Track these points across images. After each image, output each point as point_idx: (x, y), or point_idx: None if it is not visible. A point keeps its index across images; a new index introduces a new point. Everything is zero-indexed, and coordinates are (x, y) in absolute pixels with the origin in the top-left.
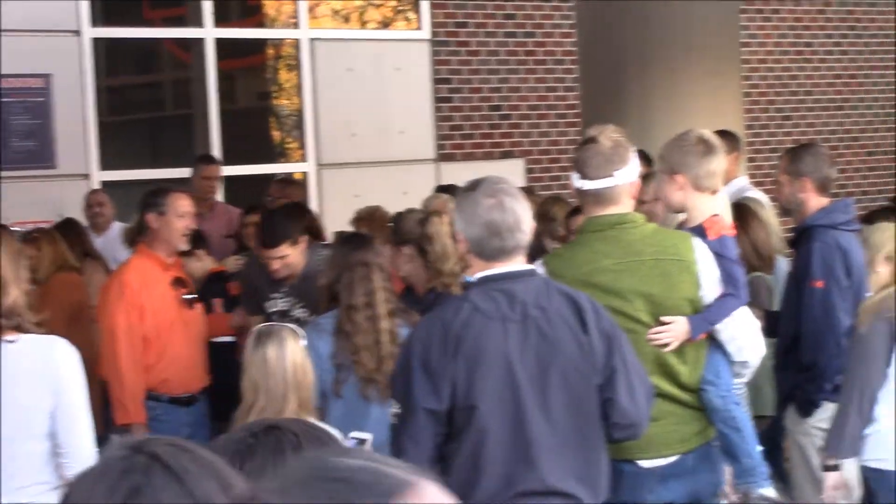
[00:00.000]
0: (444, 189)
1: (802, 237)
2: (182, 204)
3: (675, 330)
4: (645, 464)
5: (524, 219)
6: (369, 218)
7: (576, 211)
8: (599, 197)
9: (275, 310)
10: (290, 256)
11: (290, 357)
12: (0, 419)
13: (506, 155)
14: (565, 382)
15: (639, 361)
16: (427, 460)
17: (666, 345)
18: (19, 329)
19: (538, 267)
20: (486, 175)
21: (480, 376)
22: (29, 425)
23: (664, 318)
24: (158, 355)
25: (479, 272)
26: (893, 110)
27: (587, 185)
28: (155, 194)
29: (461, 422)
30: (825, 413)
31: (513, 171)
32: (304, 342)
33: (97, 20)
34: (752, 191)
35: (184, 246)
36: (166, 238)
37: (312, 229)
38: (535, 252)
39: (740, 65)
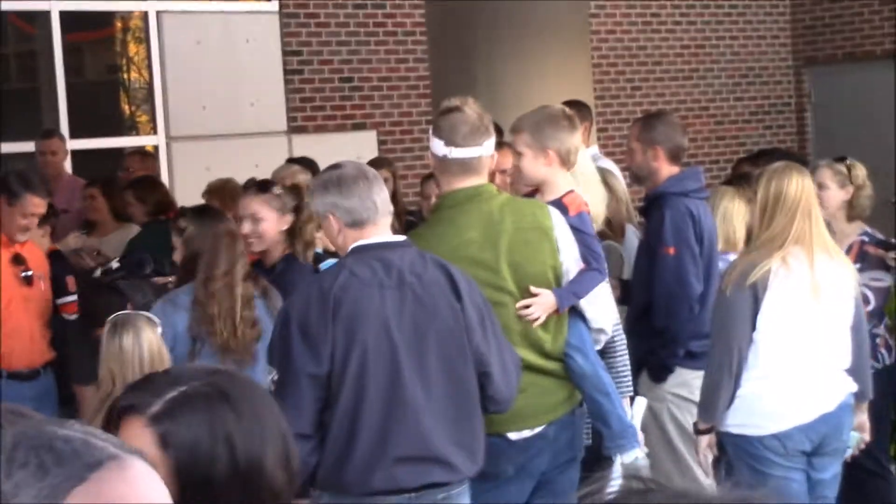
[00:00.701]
0: (295, 160)
1: (654, 205)
2: (33, 207)
3: (543, 303)
4: (512, 436)
5: (384, 192)
6: (220, 190)
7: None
8: (466, 166)
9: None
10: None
11: (146, 345)
12: None
13: (357, 126)
14: (441, 348)
15: (504, 338)
16: (309, 426)
17: (535, 318)
18: None
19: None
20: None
21: (359, 339)
22: None
23: (533, 289)
24: None
25: (353, 243)
26: (740, 80)
27: (455, 152)
28: (12, 184)
29: (338, 385)
30: (678, 378)
31: (365, 143)
32: (159, 330)
33: None
34: (602, 160)
35: (18, 240)
36: (6, 226)
37: (164, 203)
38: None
39: (590, 35)
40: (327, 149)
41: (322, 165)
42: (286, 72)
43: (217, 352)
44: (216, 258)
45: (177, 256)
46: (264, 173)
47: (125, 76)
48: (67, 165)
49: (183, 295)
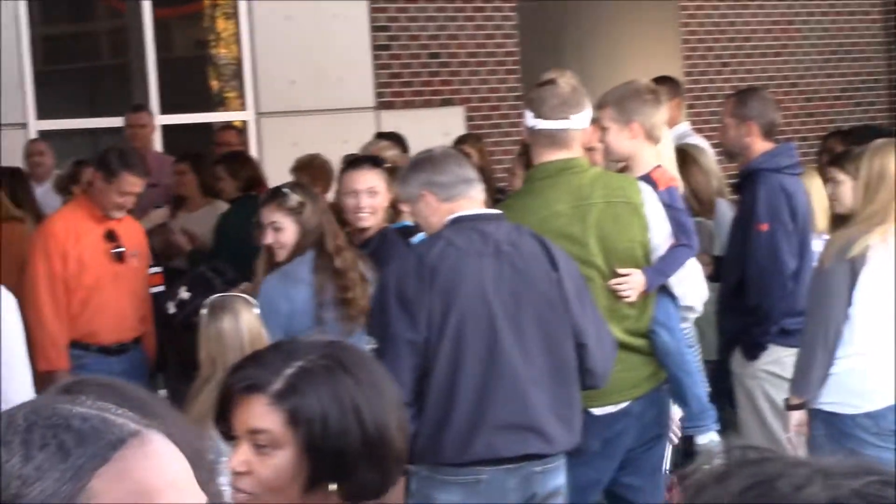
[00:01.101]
0: (384, 136)
1: (747, 181)
2: (129, 185)
3: (634, 282)
4: (596, 411)
5: (475, 173)
6: (308, 166)
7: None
8: (554, 138)
9: None
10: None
11: (245, 327)
12: None
13: (445, 102)
14: (540, 317)
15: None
16: (408, 394)
17: (625, 296)
18: None
19: None
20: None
21: (456, 306)
22: None
23: (621, 271)
24: (83, 304)
25: (448, 216)
26: (830, 56)
27: (542, 124)
28: (111, 161)
29: (435, 352)
30: (771, 355)
31: (453, 119)
32: (256, 310)
33: None
34: (692, 136)
35: (115, 216)
36: (101, 202)
37: (254, 179)
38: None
39: (679, 12)
40: (415, 124)
41: (410, 141)
42: (374, 47)
43: (345, 320)
44: (337, 231)
45: (288, 235)
46: (352, 148)
47: (214, 52)
48: (157, 141)
49: (299, 268)
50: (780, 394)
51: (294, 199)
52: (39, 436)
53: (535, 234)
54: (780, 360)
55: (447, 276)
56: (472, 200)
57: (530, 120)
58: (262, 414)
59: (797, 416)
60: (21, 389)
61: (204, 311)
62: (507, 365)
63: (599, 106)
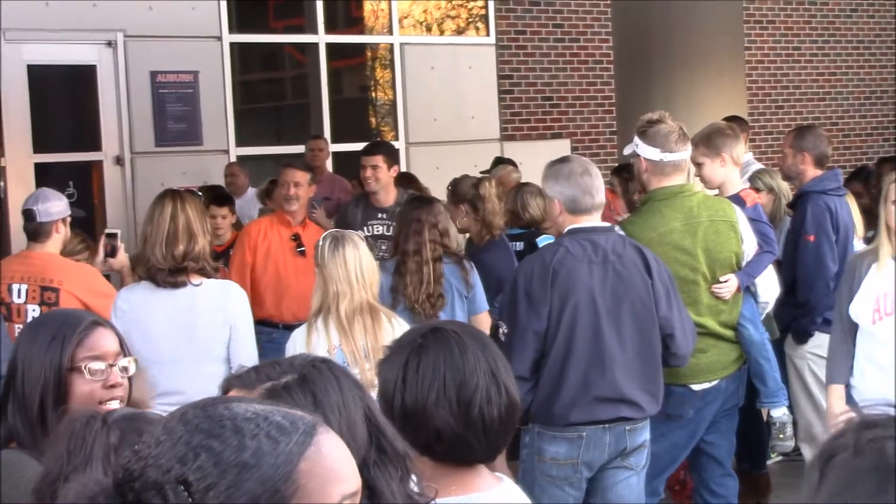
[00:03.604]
0: (502, 160)
1: (799, 200)
2: (284, 174)
3: (731, 286)
4: (696, 387)
5: (602, 185)
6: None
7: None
8: (677, 166)
9: (370, 234)
10: (381, 171)
11: (365, 257)
12: (188, 347)
13: (555, 136)
14: (634, 314)
15: (685, 308)
16: (528, 371)
17: (724, 298)
18: (203, 273)
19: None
20: (568, 154)
21: (570, 303)
22: (210, 352)
23: (722, 278)
24: (268, 287)
25: (569, 225)
26: (864, 100)
27: (668, 157)
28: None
29: (552, 339)
30: (816, 340)
31: (561, 149)
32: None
33: (233, 28)
34: (754, 164)
35: (289, 208)
36: (277, 201)
37: (419, 191)
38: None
39: (744, 64)
40: (531, 153)
41: (525, 167)
42: (500, 91)
43: (407, 309)
44: (406, 239)
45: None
46: (479, 170)
47: (374, 94)
48: (329, 164)
49: (390, 263)
50: (822, 370)
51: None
52: (250, 426)
53: (636, 246)
54: (823, 344)
55: (564, 278)
56: (592, 215)
57: (656, 154)
58: None
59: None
60: (249, 360)
61: (325, 243)
62: (607, 351)
63: (693, 147)
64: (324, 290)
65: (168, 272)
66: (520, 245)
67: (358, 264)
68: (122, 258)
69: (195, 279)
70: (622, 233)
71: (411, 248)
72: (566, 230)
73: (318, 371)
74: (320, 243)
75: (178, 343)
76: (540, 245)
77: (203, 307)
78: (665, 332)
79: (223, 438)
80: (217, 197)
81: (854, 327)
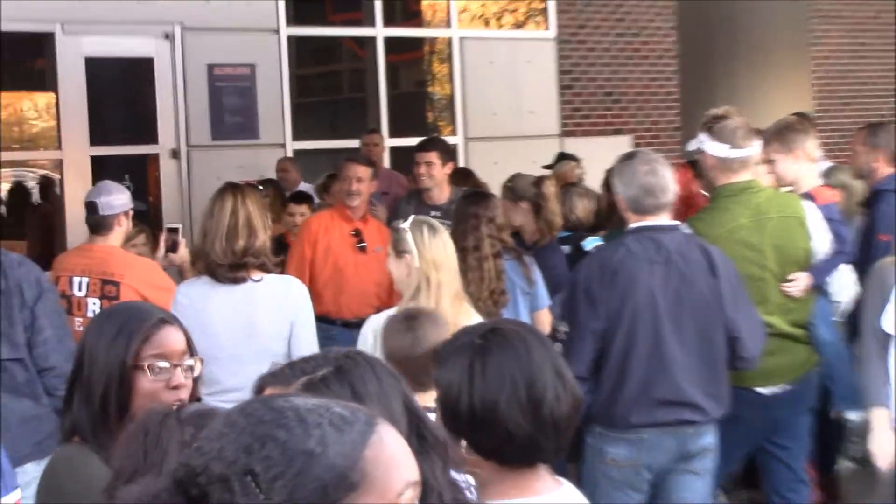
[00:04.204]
0: (564, 156)
1: (872, 199)
2: (346, 169)
3: (801, 283)
4: (763, 391)
5: (671, 182)
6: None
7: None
8: (744, 162)
9: None
10: (435, 168)
11: (449, 243)
12: (250, 342)
13: (616, 132)
14: (696, 314)
15: (754, 308)
16: (586, 371)
17: (794, 295)
18: (263, 269)
19: (684, 228)
20: (637, 149)
21: (630, 303)
22: (270, 348)
23: (791, 276)
24: (327, 283)
25: (633, 224)
26: None
27: (735, 153)
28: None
29: (611, 339)
30: None
31: (622, 146)
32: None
33: (291, 21)
34: (823, 162)
35: (350, 203)
36: (338, 196)
37: (476, 186)
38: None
39: (811, 62)
40: (591, 150)
41: (587, 163)
42: (560, 87)
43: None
44: (465, 234)
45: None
46: (539, 167)
47: (432, 89)
48: (386, 160)
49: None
50: None
51: None
52: (313, 417)
53: (701, 245)
54: None
55: (624, 278)
56: (656, 215)
57: (723, 150)
58: None
59: None
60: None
61: (418, 230)
62: (668, 353)
63: (764, 144)
64: (423, 275)
65: (228, 267)
66: (566, 248)
67: (453, 250)
68: (183, 253)
69: (255, 275)
70: (689, 231)
71: (470, 244)
72: (629, 228)
73: (353, 362)
74: (410, 229)
75: (238, 339)
76: (587, 248)
77: (263, 303)
78: (731, 335)
79: (288, 428)
80: (296, 195)
81: (887, 339)
